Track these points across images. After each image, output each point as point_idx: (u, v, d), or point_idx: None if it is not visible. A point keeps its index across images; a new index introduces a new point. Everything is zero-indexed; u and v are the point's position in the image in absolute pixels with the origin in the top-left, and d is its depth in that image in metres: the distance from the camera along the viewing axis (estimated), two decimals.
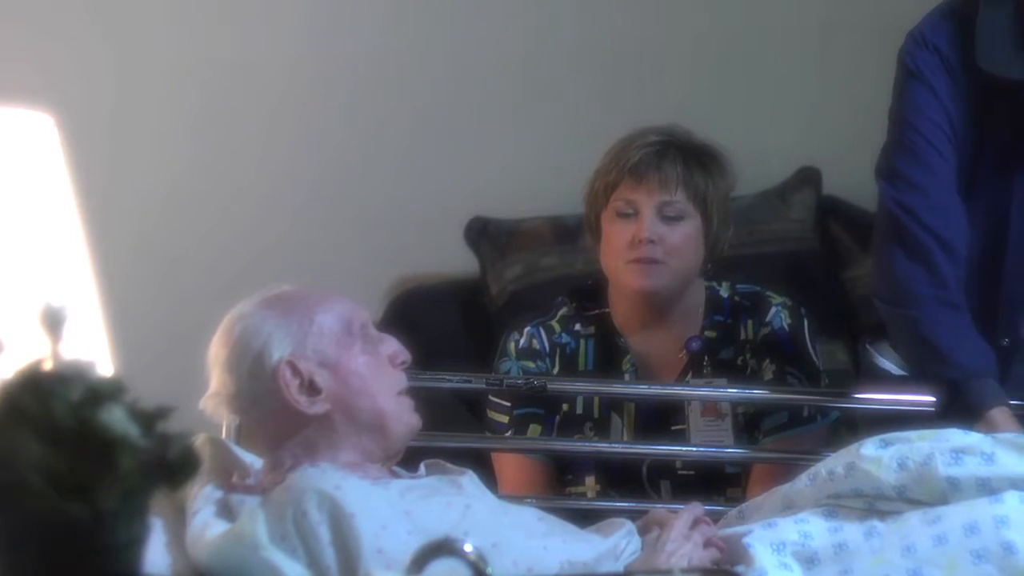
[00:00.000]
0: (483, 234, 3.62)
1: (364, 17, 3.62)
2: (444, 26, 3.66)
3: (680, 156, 2.83)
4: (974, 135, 2.61)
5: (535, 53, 3.70)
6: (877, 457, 2.22)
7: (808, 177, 3.72)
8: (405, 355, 2.26)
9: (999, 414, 2.50)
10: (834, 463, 2.27)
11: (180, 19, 3.53)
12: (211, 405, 2.20)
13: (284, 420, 2.17)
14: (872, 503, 2.22)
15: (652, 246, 2.79)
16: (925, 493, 2.19)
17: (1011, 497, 2.14)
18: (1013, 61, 2.52)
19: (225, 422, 2.36)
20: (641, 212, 2.81)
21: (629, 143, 2.86)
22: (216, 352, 2.20)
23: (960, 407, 2.54)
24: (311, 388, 2.16)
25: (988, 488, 2.16)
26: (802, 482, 2.29)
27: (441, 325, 3.53)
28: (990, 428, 2.45)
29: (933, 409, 2.58)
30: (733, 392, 2.83)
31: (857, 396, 2.81)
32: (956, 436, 2.26)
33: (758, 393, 2.85)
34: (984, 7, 2.56)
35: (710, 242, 2.86)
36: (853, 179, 3.56)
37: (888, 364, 2.79)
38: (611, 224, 2.84)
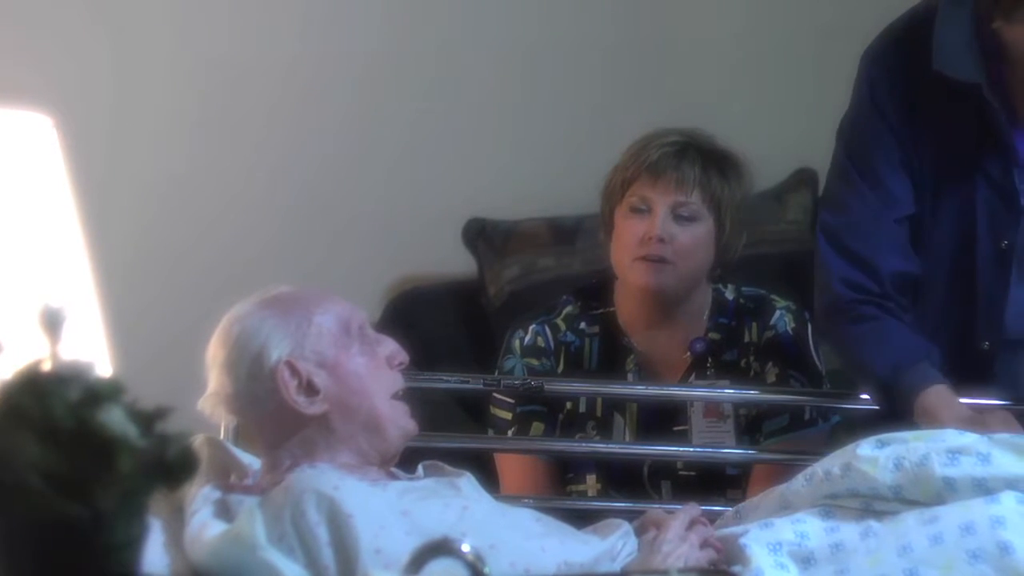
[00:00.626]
0: (481, 235, 3.62)
1: (361, 18, 3.62)
2: (441, 27, 3.66)
3: (699, 158, 2.84)
4: (936, 142, 2.62)
5: (532, 55, 3.70)
6: (873, 457, 2.22)
7: (804, 179, 3.72)
8: (403, 356, 2.26)
9: (931, 395, 2.52)
10: (830, 463, 2.28)
11: (178, 21, 3.53)
12: (209, 406, 2.21)
13: (282, 420, 2.17)
14: (868, 503, 2.22)
15: (662, 245, 2.79)
16: (921, 493, 2.19)
17: (1007, 497, 2.14)
18: (968, 63, 2.53)
19: (223, 423, 2.36)
20: (654, 210, 2.82)
21: (649, 141, 2.86)
22: (214, 353, 2.20)
23: (899, 406, 2.56)
24: (309, 388, 2.16)
25: (984, 488, 2.16)
26: (798, 482, 2.29)
27: (439, 326, 3.53)
28: (927, 413, 2.49)
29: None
30: (731, 393, 2.84)
31: (856, 397, 2.82)
32: (952, 436, 2.26)
33: (754, 394, 2.86)
34: (942, 12, 2.57)
35: (720, 248, 2.87)
36: None
37: None
38: (624, 220, 2.85)
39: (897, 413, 2.55)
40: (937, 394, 2.53)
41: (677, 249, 2.80)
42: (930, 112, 2.61)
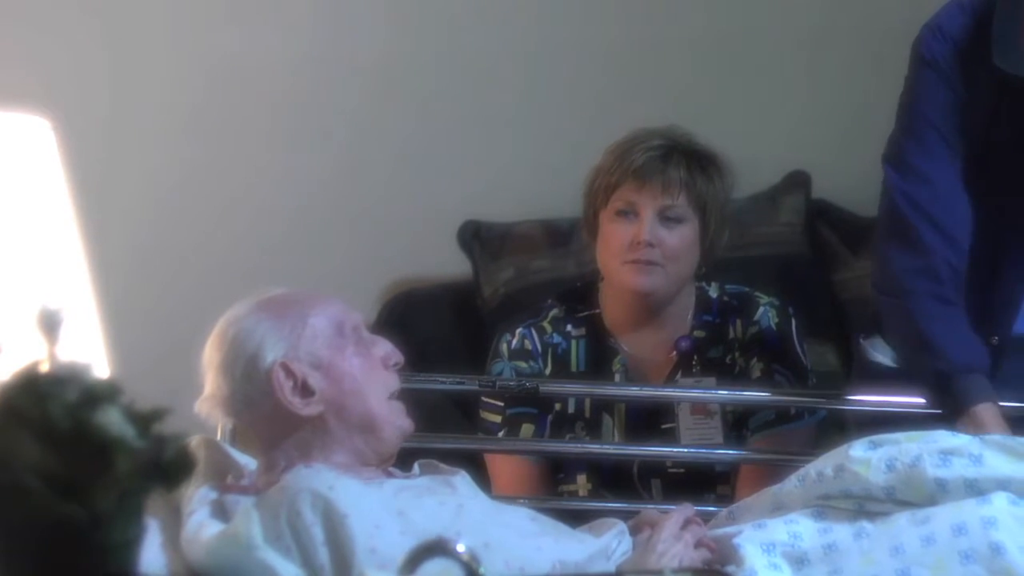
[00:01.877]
0: (476, 237, 3.63)
1: (357, 23, 3.63)
2: (438, 32, 3.67)
3: (684, 160, 2.84)
4: (981, 131, 2.61)
5: (528, 59, 3.71)
6: (866, 458, 2.23)
7: (798, 181, 3.73)
8: (397, 356, 2.27)
9: (984, 411, 2.51)
10: (823, 464, 2.28)
11: (176, 23, 3.53)
12: (206, 407, 2.21)
13: (278, 422, 2.18)
14: (861, 504, 2.23)
15: (650, 249, 2.80)
16: (913, 494, 2.20)
17: (999, 498, 2.15)
18: (1021, 59, 2.50)
19: (220, 424, 2.37)
20: (641, 214, 2.82)
21: (632, 144, 2.86)
22: (210, 355, 2.21)
23: (946, 400, 2.56)
24: (304, 390, 2.17)
25: (976, 489, 2.17)
26: (791, 483, 2.30)
27: (434, 328, 3.53)
28: (975, 424, 2.47)
29: (923, 403, 2.60)
30: (723, 394, 2.85)
31: (846, 397, 2.82)
32: (944, 438, 2.27)
33: (748, 394, 2.86)
34: (1001, 4, 2.55)
35: (706, 245, 2.87)
36: (842, 183, 3.59)
37: (882, 358, 2.80)
38: (610, 223, 2.85)
39: (936, 400, 2.56)
40: (991, 412, 2.52)
41: (666, 252, 2.81)
42: (983, 98, 2.60)
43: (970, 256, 2.63)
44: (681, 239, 2.83)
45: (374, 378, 2.22)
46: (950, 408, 2.54)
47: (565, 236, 3.48)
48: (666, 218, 2.82)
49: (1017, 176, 2.61)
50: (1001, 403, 2.57)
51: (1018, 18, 2.49)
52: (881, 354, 2.79)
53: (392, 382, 2.25)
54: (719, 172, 2.88)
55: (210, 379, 2.21)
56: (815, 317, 3.08)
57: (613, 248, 2.84)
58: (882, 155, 2.70)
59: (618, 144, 2.89)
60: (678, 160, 2.84)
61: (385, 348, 2.26)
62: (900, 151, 2.66)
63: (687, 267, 2.86)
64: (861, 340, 2.86)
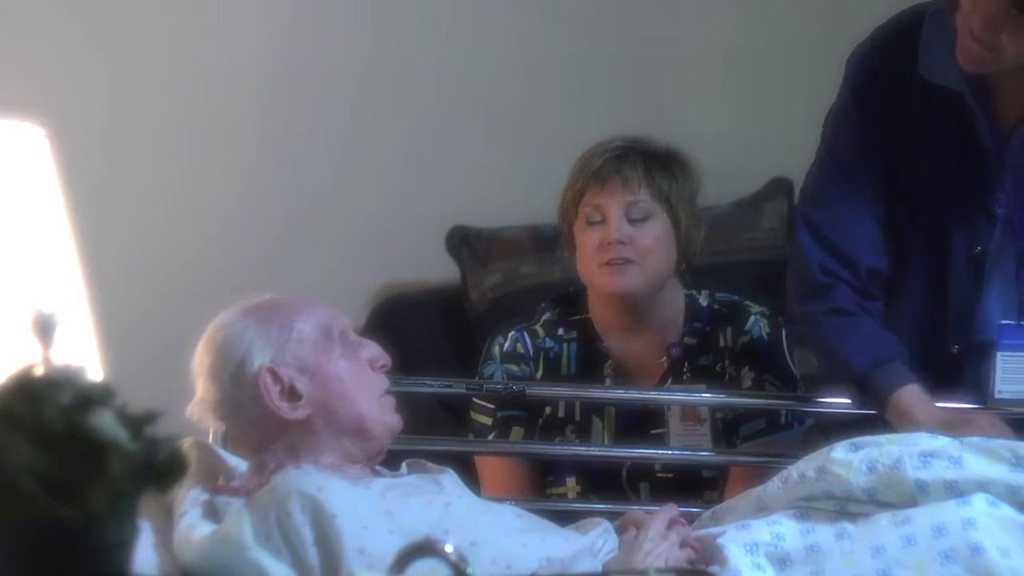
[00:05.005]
0: (464, 243, 3.64)
1: (350, 33, 3.64)
2: (427, 41, 3.67)
3: (640, 158, 2.86)
4: (916, 145, 2.63)
5: (515, 67, 3.71)
6: (847, 460, 2.25)
7: (780, 187, 3.74)
8: (385, 359, 2.28)
9: (903, 394, 2.55)
10: (805, 466, 2.29)
11: (171, 32, 3.54)
12: (197, 412, 2.22)
13: (266, 425, 2.19)
14: (842, 505, 2.24)
15: (622, 247, 2.81)
16: (894, 495, 2.21)
17: (978, 499, 2.16)
18: (952, 70, 2.53)
19: (211, 427, 2.37)
20: (608, 216, 2.84)
21: (592, 152, 2.89)
22: (200, 360, 2.22)
23: (870, 401, 2.59)
24: (292, 394, 2.18)
25: (956, 491, 2.18)
26: (774, 484, 2.31)
27: (423, 332, 3.54)
28: (900, 411, 2.51)
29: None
30: (708, 396, 2.86)
31: (824, 400, 2.84)
32: (924, 440, 2.28)
33: (731, 399, 2.87)
34: (928, 18, 2.58)
35: (681, 242, 2.88)
36: None
37: None
38: (582, 233, 2.87)
39: (868, 408, 2.59)
40: (911, 393, 2.55)
41: (638, 249, 2.82)
42: (912, 115, 2.62)
43: (917, 272, 2.67)
44: (652, 235, 2.84)
45: (362, 380, 2.23)
46: (875, 406, 2.58)
47: (551, 242, 3.49)
48: (633, 218, 2.84)
49: (950, 189, 2.63)
50: (968, 405, 2.61)
51: (944, 29, 2.51)
52: None
53: (380, 384, 2.27)
54: (680, 167, 2.89)
55: (200, 384, 2.22)
56: None
57: (587, 254, 2.86)
58: (799, 191, 2.77)
59: (580, 156, 2.92)
60: (634, 158, 2.86)
61: (372, 351, 2.28)
62: (809, 181, 2.74)
63: (663, 263, 2.86)
64: None
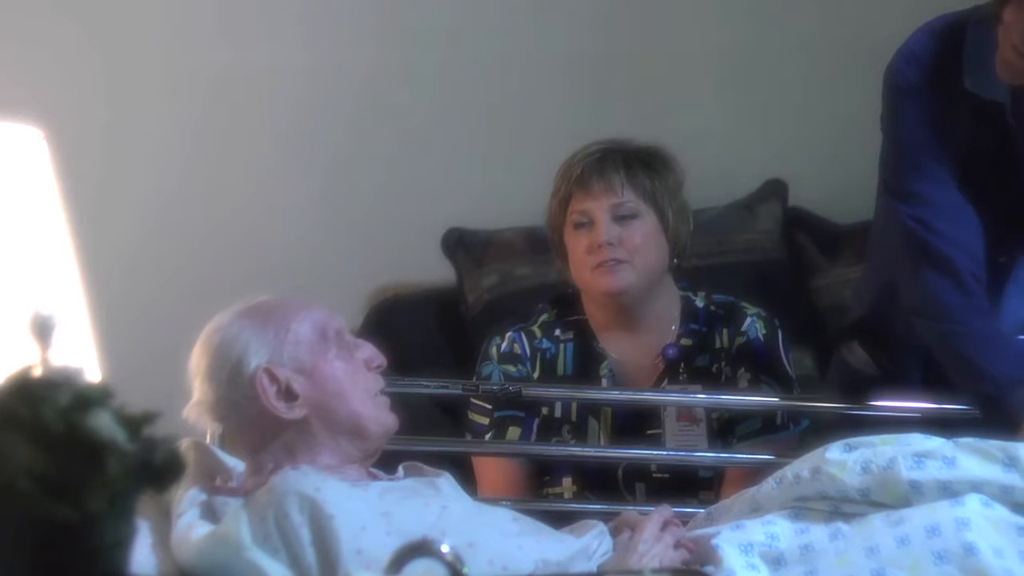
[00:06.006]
0: (460, 244, 3.64)
1: (346, 37, 3.64)
2: (423, 45, 3.67)
3: (620, 159, 2.88)
4: (961, 150, 2.64)
5: (511, 70, 3.71)
6: (841, 461, 2.25)
7: (775, 189, 3.75)
8: (380, 359, 2.29)
9: None
10: (800, 467, 2.30)
11: (170, 34, 3.54)
12: (194, 414, 2.23)
13: (263, 426, 2.20)
14: (837, 505, 2.24)
15: (611, 248, 2.83)
16: (888, 496, 2.22)
17: (971, 500, 2.17)
18: (995, 83, 2.54)
19: (209, 429, 2.38)
20: (595, 219, 2.85)
21: (572, 158, 2.91)
22: (196, 362, 2.22)
23: (1000, 416, 2.56)
24: (288, 394, 2.19)
25: (949, 491, 2.19)
26: (769, 485, 2.31)
27: (419, 333, 3.54)
28: None
29: (916, 414, 2.63)
30: (703, 397, 2.87)
31: (827, 402, 2.85)
32: (918, 441, 2.29)
33: (728, 398, 2.88)
34: (972, 29, 2.58)
35: (671, 238, 2.89)
36: (819, 191, 3.62)
37: (860, 364, 2.83)
38: (571, 238, 2.89)
39: (992, 416, 2.57)
40: None
41: (628, 248, 2.83)
42: (955, 121, 2.62)
43: None
44: (640, 233, 2.85)
45: (357, 380, 2.24)
46: (1005, 423, 2.53)
47: (546, 243, 3.48)
48: (619, 217, 2.85)
49: (990, 191, 2.63)
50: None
51: (989, 43, 2.51)
52: (857, 361, 2.83)
53: (375, 384, 2.27)
54: (662, 163, 2.90)
55: (197, 386, 2.22)
56: (791, 323, 3.08)
57: (578, 258, 2.87)
58: (882, 185, 2.72)
59: (562, 164, 2.93)
60: (614, 159, 2.88)
61: (368, 351, 2.28)
62: (899, 181, 2.69)
63: (655, 260, 2.87)
64: (841, 347, 2.88)
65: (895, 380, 2.78)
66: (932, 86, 2.63)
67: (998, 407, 2.58)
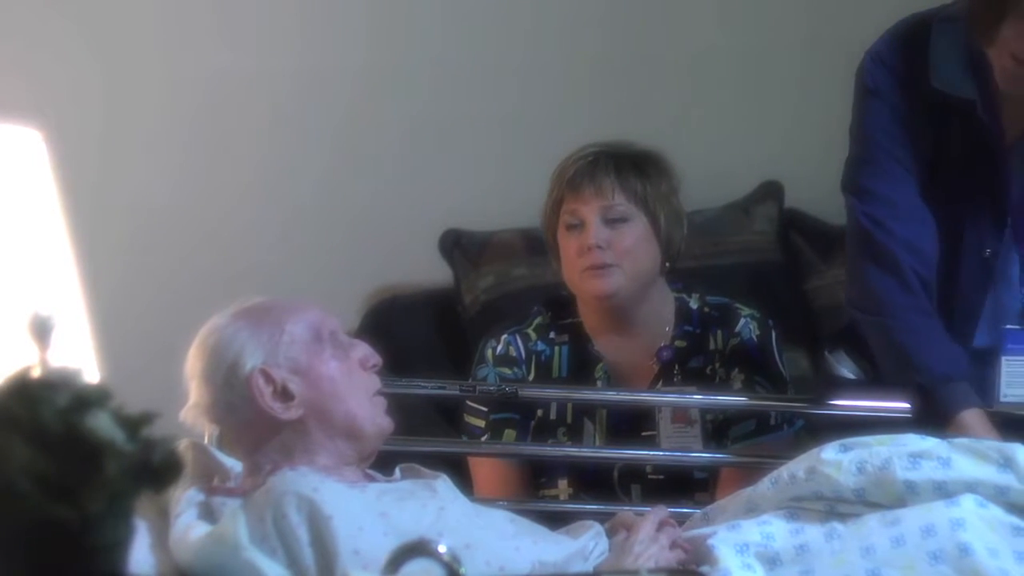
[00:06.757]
0: (456, 246, 3.64)
1: (344, 38, 3.64)
2: (420, 46, 3.67)
3: (612, 162, 2.88)
4: (929, 150, 2.65)
5: (509, 71, 3.71)
6: (837, 461, 2.25)
7: (771, 190, 3.75)
8: (375, 358, 2.29)
9: (969, 417, 2.53)
10: (795, 467, 2.30)
11: (168, 36, 3.53)
12: (191, 416, 2.23)
13: (260, 426, 2.20)
14: (832, 506, 2.25)
15: (600, 251, 2.83)
16: (883, 496, 2.22)
17: (967, 500, 2.18)
18: (963, 80, 2.56)
19: (206, 431, 2.37)
20: (586, 222, 2.86)
21: (566, 161, 2.92)
22: (192, 364, 2.23)
23: (932, 412, 2.57)
24: (284, 395, 2.19)
25: (944, 491, 2.20)
26: (764, 485, 2.32)
27: (416, 334, 3.54)
28: (961, 432, 2.47)
29: (908, 414, 2.61)
30: (698, 398, 2.87)
31: (823, 403, 2.85)
32: (913, 441, 2.29)
33: (723, 398, 2.89)
34: (936, 30, 2.60)
35: (663, 241, 2.89)
36: (814, 192, 3.61)
37: (845, 371, 2.84)
38: (563, 239, 2.89)
39: (925, 411, 2.57)
40: (976, 417, 2.54)
41: (617, 252, 2.84)
42: (924, 118, 2.63)
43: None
44: (631, 237, 2.85)
45: (353, 380, 2.25)
46: (937, 418, 2.55)
47: (543, 245, 3.51)
48: (610, 220, 2.86)
49: (961, 190, 2.64)
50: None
51: (955, 40, 2.54)
52: (845, 368, 2.83)
53: (371, 384, 2.28)
54: (654, 167, 2.90)
55: (193, 388, 2.23)
56: (787, 324, 3.09)
57: (570, 260, 2.88)
58: (840, 184, 2.73)
59: (557, 165, 2.94)
60: (606, 162, 2.88)
61: (363, 351, 2.29)
62: (856, 177, 2.70)
63: (646, 264, 2.88)
64: (827, 354, 2.88)
65: (883, 386, 2.77)
66: (900, 86, 2.64)
67: (929, 401, 2.58)
